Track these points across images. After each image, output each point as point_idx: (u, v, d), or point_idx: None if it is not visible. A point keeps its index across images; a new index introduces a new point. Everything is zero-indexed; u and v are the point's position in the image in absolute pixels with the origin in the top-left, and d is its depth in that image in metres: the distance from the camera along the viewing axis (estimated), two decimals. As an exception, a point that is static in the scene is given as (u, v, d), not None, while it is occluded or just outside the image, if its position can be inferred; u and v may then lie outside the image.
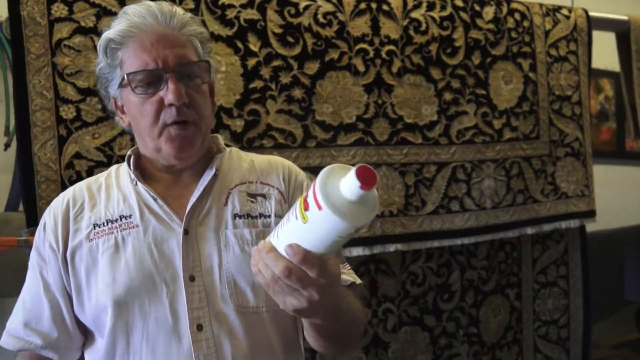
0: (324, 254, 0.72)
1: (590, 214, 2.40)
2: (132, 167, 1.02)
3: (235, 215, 0.99)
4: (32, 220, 1.51)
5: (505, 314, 2.35)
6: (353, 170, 0.65)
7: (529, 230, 2.25)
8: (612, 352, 3.29)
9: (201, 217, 0.99)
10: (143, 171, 1.04)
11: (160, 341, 0.92)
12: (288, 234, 0.72)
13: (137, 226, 0.97)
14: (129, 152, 1.05)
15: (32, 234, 1.49)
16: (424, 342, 2.18)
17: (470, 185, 2.12)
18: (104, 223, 0.98)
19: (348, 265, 1.11)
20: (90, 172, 1.56)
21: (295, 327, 1.05)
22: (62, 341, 1.00)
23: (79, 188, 1.05)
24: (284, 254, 0.71)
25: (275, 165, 1.08)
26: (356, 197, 0.66)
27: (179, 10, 0.99)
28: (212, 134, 1.11)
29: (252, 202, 1.01)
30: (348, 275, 1.05)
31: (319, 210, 0.67)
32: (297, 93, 1.84)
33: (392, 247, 1.95)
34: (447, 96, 2.09)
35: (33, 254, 1.02)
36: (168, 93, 0.94)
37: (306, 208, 0.68)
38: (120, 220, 0.97)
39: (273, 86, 1.80)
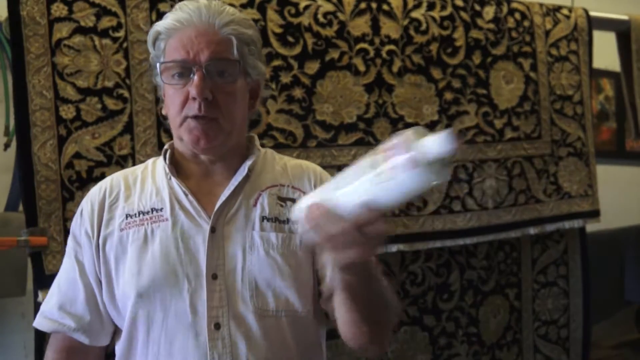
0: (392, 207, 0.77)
1: (594, 213, 2.39)
2: (167, 161, 1.04)
3: (263, 218, 1.00)
4: (32, 220, 1.50)
5: (505, 314, 2.35)
6: (446, 131, 0.70)
7: (532, 231, 2.25)
8: (612, 352, 3.29)
9: (229, 216, 1.00)
10: (177, 166, 1.05)
11: (179, 335, 0.94)
12: (362, 190, 0.74)
13: (167, 220, 0.99)
14: (165, 146, 1.07)
15: (32, 234, 1.50)
16: (424, 342, 2.18)
17: (471, 185, 2.12)
18: (136, 214, 1.00)
19: None
20: (90, 172, 1.56)
21: (317, 333, 1.05)
22: (94, 325, 1.03)
23: (117, 178, 1.07)
24: (349, 207, 0.74)
25: (307, 170, 1.10)
26: (446, 155, 0.70)
27: (229, 9, 1.01)
28: (250, 134, 1.12)
29: (281, 206, 1.02)
30: None
31: (411, 169, 0.70)
32: (298, 93, 1.84)
33: (394, 248, 1.95)
34: (448, 96, 2.09)
35: (70, 240, 1.06)
36: (192, 86, 0.96)
37: (394, 167, 0.71)
38: (152, 212, 1.00)
39: (273, 86, 1.80)
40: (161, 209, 1.00)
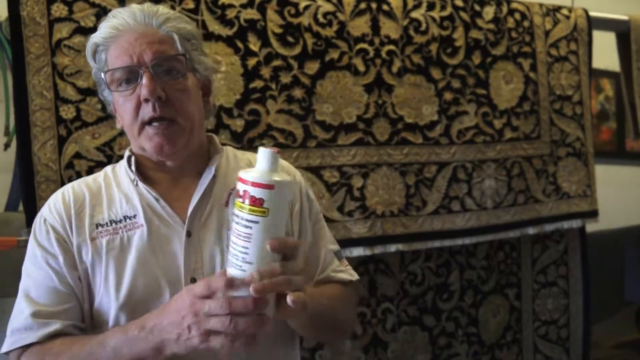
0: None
1: (593, 214, 2.40)
2: (133, 168, 1.02)
3: None
4: (32, 221, 1.50)
5: (505, 313, 2.35)
6: (260, 149, 0.76)
7: (531, 231, 2.25)
8: (612, 352, 3.29)
9: (203, 218, 0.99)
10: (141, 171, 1.03)
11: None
12: (256, 249, 0.76)
13: (142, 225, 0.97)
14: (127, 153, 1.05)
15: (32, 234, 1.50)
16: (423, 342, 2.18)
17: (471, 185, 2.12)
18: (107, 223, 0.98)
19: (346, 262, 1.14)
20: (90, 172, 1.55)
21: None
22: (77, 311, 0.98)
23: (78, 186, 1.03)
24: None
25: None
26: (277, 163, 0.77)
27: (162, 9, 1.00)
28: (208, 133, 1.11)
29: None
30: (345, 274, 1.12)
31: (272, 191, 0.74)
32: (298, 93, 1.84)
33: (392, 248, 1.95)
34: (448, 96, 2.09)
35: (36, 252, 0.99)
36: (142, 88, 0.94)
37: (260, 204, 0.74)
38: (125, 220, 0.98)
39: (273, 86, 1.80)
40: (134, 216, 0.98)
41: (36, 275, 0.98)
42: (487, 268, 2.29)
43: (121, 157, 1.55)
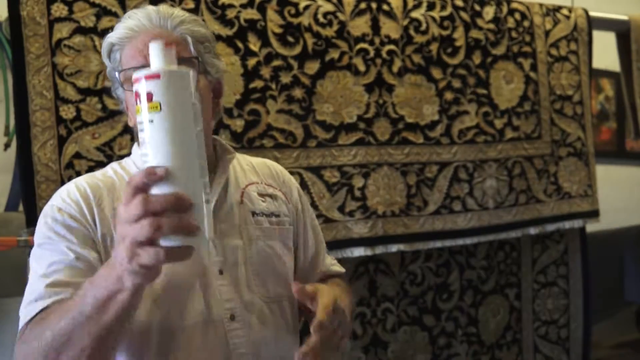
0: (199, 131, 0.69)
1: (594, 213, 2.40)
2: None
3: (252, 213, 1.05)
4: (32, 220, 1.50)
5: (505, 313, 2.35)
6: (151, 43, 0.68)
7: (532, 231, 2.26)
8: (612, 352, 3.29)
9: (223, 214, 1.02)
10: None
11: (197, 333, 0.95)
12: (155, 149, 0.66)
13: None
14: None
15: (32, 234, 1.48)
16: (423, 342, 2.18)
17: (472, 185, 2.12)
18: None
19: (330, 255, 1.24)
20: (90, 172, 1.55)
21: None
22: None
23: (90, 179, 1.01)
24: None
25: (271, 167, 1.17)
26: (171, 57, 0.68)
27: (177, 11, 1.01)
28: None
29: (262, 201, 1.08)
30: (337, 266, 1.22)
31: (160, 80, 0.66)
32: (298, 93, 1.84)
33: (394, 248, 1.95)
34: (448, 96, 2.09)
35: (50, 238, 0.94)
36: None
37: (149, 99, 0.65)
38: None
39: (273, 86, 1.80)
40: None
41: (50, 257, 0.93)
42: (487, 268, 2.29)
43: (121, 157, 1.56)
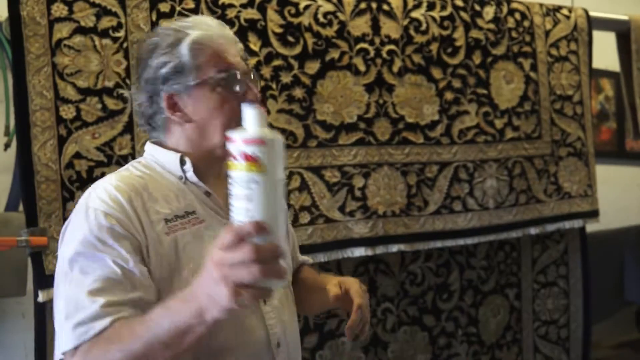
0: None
1: (593, 213, 2.40)
2: (188, 166, 1.04)
3: None
4: (32, 220, 1.50)
5: (505, 313, 2.35)
6: (245, 107, 0.78)
7: (532, 231, 2.26)
8: (612, 352, 3.29)
9: None
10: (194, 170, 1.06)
11: (240, 318, 0.99)
12: (260, 205, 0.76)
13: (203, 221, 1.01)
14: (178, 155, 1.04)
15: (32, 234, 1.49)
16: (423, 342, 2.18)
17: (472, 185, 2.12)
18: (173, 218, 0.99)
19: None
20: (90, 172, 1.56)
21: None
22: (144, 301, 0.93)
23: (127, 179, 1.00)
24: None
25: None
26: (264, 121, 0.79)
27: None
28: None
29: None
30: (305, 256, 1.37)
31: (265, 146, 0.75)
32: (298, 93, 1.84)
33: (394, 248, 1.96)
34: (449, 96, 2.09)
35: (94, 246, 0.92)
36: (250, 93, 1.04)
37: (254, 159, 0.75)
38: (188, 216, 1.00)
39: (274, 86, 1.80)
40: (194, 212, 1.01)
41: (97, 270, 0.91)
42: (487, 268, 2.29)
43: (121, 157, 1.57)
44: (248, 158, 0.75)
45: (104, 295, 0.88)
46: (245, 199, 0.75)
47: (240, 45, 1.11)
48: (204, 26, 1.04)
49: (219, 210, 1.04)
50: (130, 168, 1.06)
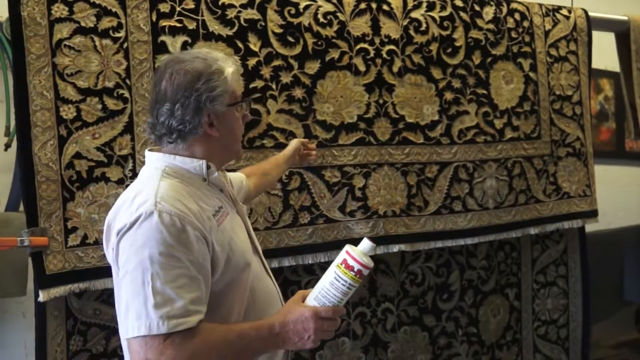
0: None
1: (593, 214, 2.40)
2: (212, 170, 1.23)
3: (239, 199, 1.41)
4: (32, 221, 1.50)
5: (505, 313, 2.35)
6: (367, 240, 1.14)
7: (532, 231, 2.26)
8: (611, 352, 3.29)
9: (238, 201, 1.35)
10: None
11: (263, 284, 1.29)
12: (345, 299, 1.15)
13: (229, 213, 1.24)
14: (204, 161, 1.22)
15: (33, 234, 1.50)
16: (423, 342, 2.18)
17: (472, 185, 2.12)
18: (215, 213, 1.20)
19: None
20: (90, 172, 1.56)
21: None
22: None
23: (178, 188, 1.16)
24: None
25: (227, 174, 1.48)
26: (372, 252, 1.15)
27: None
28: None
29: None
30: None
31: (368, 270, 1.13)
32: (298, 93, 1.84)
33: (395, 248, 1.96)
34: (448, 96, 2.09)
35: (172, 253, 1.08)
36: (248, 114, 1.33)
37: (360, 276, 1.12)
38: (220, 210, 1.21)
39: (274, 86, 1.80)
40: (221, 207, 1.22)
41: (177, 270, 1.07)
42: (487, 268, 2.29)
43: (121, 157, 1.57)
44: (358, 273, 1.11)
45: (188, 292, 1.07)
46: (341, 293, 1.12)
47: None
48: (233, 62, 1.26)
49: (230, 202, 1.29)
50: (165, 175, 1.18)
